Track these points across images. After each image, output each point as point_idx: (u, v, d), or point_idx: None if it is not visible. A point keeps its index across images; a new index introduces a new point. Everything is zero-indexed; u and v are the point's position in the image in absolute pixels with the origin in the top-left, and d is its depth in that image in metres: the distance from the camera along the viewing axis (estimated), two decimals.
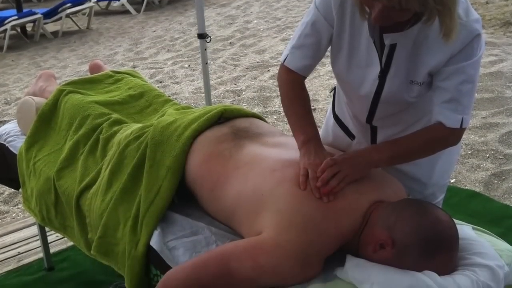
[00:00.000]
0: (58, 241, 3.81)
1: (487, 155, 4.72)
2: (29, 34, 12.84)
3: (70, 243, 3.66)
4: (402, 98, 2.02)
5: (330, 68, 2.61)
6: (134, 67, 8.56)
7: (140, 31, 12.06)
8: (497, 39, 7.60)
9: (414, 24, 1.85)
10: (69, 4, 12.50)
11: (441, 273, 1.69)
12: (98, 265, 3.04)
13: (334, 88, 2.47)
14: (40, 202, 2.65)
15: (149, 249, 2.13)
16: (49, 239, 3.61)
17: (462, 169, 4.56)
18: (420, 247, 1.73)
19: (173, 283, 1.85)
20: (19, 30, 12.55)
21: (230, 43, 9.45)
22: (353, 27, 1.99)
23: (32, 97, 3.03)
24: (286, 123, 5.45)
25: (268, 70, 7.58)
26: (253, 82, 7.18)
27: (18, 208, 4.59)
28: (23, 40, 12.47)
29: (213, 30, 10.36)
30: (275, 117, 5.99)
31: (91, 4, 13.28)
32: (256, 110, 6.16)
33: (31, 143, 2.80)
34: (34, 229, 3.88)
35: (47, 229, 3.31)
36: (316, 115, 5.71)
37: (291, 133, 2.16)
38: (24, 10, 12.37)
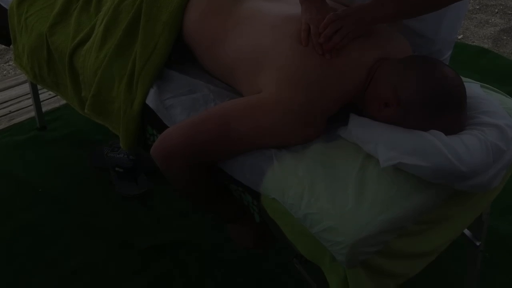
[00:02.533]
0: (50, 100, 3.77)
1: (496, 10, 4.64)
2: None
3: (63, 102, 3.63)
4: None
5: None
6: None
7: None
8: None
9: None
10: None
11: (448, 132, 1.65)
12: (92, 125, 3.04)
13: None
14: (32, 59, 2.59)
15: (145, 107, 2.09)
16: (41, 97, 3.57)
17: (470, 24, 4.47)
18: (426, 105, 1.68)
19: (170, 142, 1.82)
20: None
21: None
22: None
23: None
24: None
25: None
26: None
27: (9, 65, 4.51)
28: None
29: None
30: None
31: None
32: None
33: None
34: (26, 87, 3.82)
35: (39, 87, 3.27)
36: None
37: None
38: None
